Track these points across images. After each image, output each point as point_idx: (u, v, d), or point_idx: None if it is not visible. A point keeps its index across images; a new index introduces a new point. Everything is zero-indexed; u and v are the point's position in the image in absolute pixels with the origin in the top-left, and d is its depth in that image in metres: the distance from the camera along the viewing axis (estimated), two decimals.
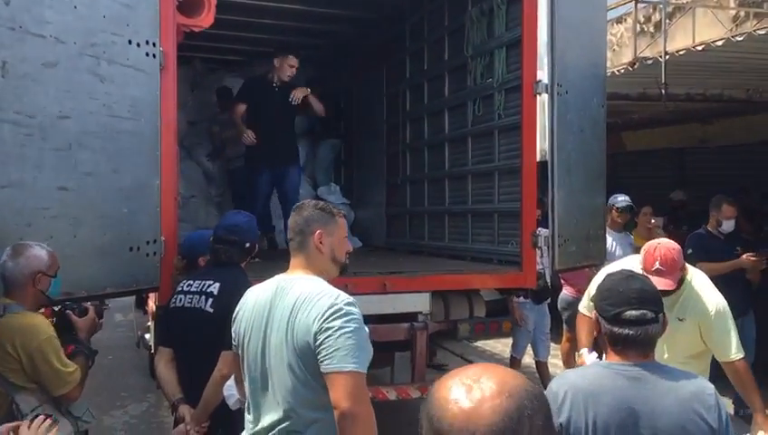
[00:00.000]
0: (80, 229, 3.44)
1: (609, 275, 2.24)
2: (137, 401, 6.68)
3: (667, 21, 6.10)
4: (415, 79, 6.57)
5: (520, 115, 4.94)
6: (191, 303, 3.19)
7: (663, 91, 6.43)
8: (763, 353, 5.51)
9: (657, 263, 3.10)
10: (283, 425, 2.25)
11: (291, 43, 6.63)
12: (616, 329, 2.05)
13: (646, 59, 6.25)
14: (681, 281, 3.25)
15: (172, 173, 3.89)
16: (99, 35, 3.49)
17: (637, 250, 5.68)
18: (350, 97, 8.05)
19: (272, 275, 2.47)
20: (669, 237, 4.23)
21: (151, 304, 5.44)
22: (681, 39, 5.98)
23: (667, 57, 6.00)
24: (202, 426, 3.01)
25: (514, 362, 6.33)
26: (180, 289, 3.31)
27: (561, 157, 4.80)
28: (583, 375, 2.12)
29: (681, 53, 5.87)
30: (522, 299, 5.84)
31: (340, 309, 2.19)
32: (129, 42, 3.62)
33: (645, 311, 2.06)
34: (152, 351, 4.55)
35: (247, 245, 3.32)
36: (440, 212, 6.14)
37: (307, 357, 2.19)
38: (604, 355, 2.28)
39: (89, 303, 3.30)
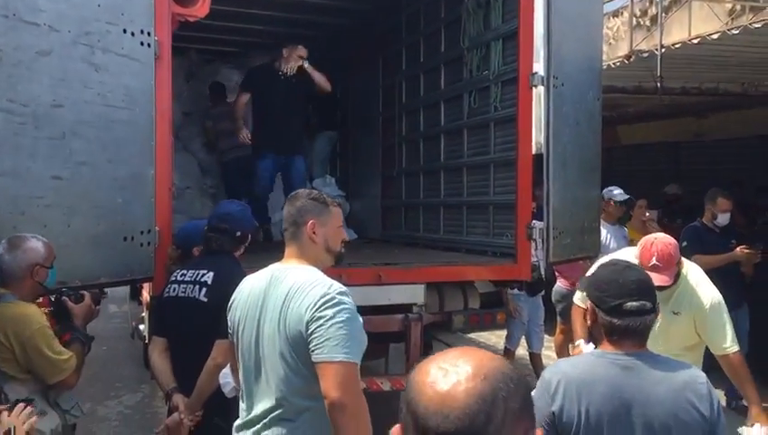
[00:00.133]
0: (74, 219, 3.43)
1: (603, 267, 2.23)
2: (131, 392, 6.68)
3: (663, 14, 6.09)
4: (411, 71, 6.55)
5: (516, 107, 4.94)
6: (185, 292, 3.18)
7: (659, 85, 6.44)
8: (757, 346, 5.54)
9: (654, 259, 3.10)
10: (276, 413, 2.26)
11: (287, 34, 6.61)
12: (615, 320, 2.06)
13: (642, 52, 6.25)
14: (677, 275, 3.26)
15: (167, 163, 3.87)
16: (93, 24, 3.47)
17: (631, 243, 5.72)
18: (346, 89, 8.04)
19: (266, 265, 2.47)
20: (663, 231, 4.25)
21: (146, 295, 5.45)
22: (677, 33, 5.98)
23: (663, 50, 6.00)
24: (196, 415, 3.01)
25: (508, 354, 6.35)
26: (174, 279, 3.30)
27: (556, 149, 4.80)
28: (576, 364, 2.13)
29: (677, 46, 5.88)
30: (516, 291, 5.87)
31: (333, 298, 2.19)
32: (124, 31, 3.59)
33: (644, 302, 2.07)
34: (146, 341, 4.55)
35: (238, 233, 3.30)
36: (435, 204, 6.14)
37: (299, 346, 2.19)
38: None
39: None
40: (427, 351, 4.55)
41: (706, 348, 3.41)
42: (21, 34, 3.23)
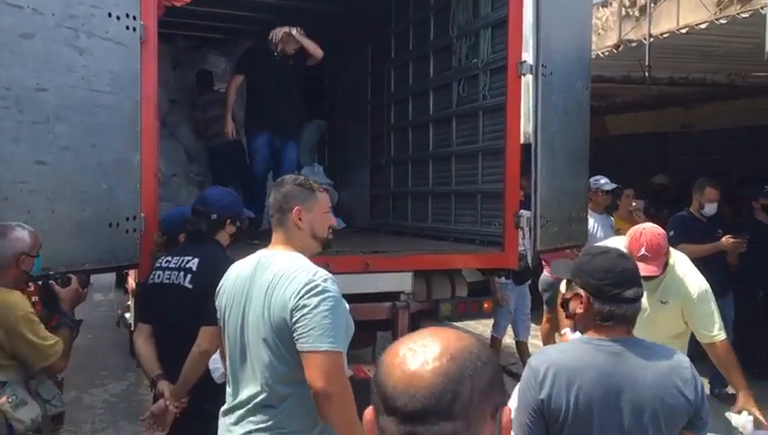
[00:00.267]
0: (58, 204, 3.40)
1: (595, 256, 2.17)
2: (116, 380, 6.65)
3: (652, 4, 6.09)
4: (399, 59, 6.52)
5: (504, 96, 4.94)
6: (170, 279, 3.16)
7: (647, 74, 6.45)
8: (741, 334, 5.59)
9: (644, 249, 3.09)
10: (259, 399, 2.26)
11: (274, 20, 6.53)
12: (614, 308, 2.06)
13: (630, 41, 6.25)
14: (665, 265, 3.27)
15: (152, 149, 3.84)
16: (77, 7, 3.42)
17: (617, 232, 5.75)
18: (335, 77, 7.99)
19: (252, 252, 2.46)
20: (650, 221, 4.26)
21: (131, 283, 5.41)
22: (666, 23, 5.98)
23: (652, 40, 6.00)
24: (181, 401, 3.00)
25: (495, 342, 6.38)
26: (159, 265, 3.28)
27: (544, 138, 4.80)
28: (564, 351, 2.12)
29: (665, 35, 5.89)
30: (503, 280, 5.88)
31: (317, 286, 2.17)
32: (109, 14, 3.55)
33: (638, 288, 2.11)
34: (132, 329, 4.52)
35: (213, 216, 3.24)
36: (424, 193, 6.13)
37: (283, 333, 2.18)
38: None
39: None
40: None
41: (692, 336, 3.44)
42: (4, 17, 3.17)
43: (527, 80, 4.91)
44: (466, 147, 5.52)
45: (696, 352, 3.35)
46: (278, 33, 5.89)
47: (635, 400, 1.98)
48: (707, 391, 5.50)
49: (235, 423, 2.31)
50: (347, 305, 2.27)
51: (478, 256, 5.11)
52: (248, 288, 2.32)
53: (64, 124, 3.40)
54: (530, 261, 5.55)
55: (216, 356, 2.79)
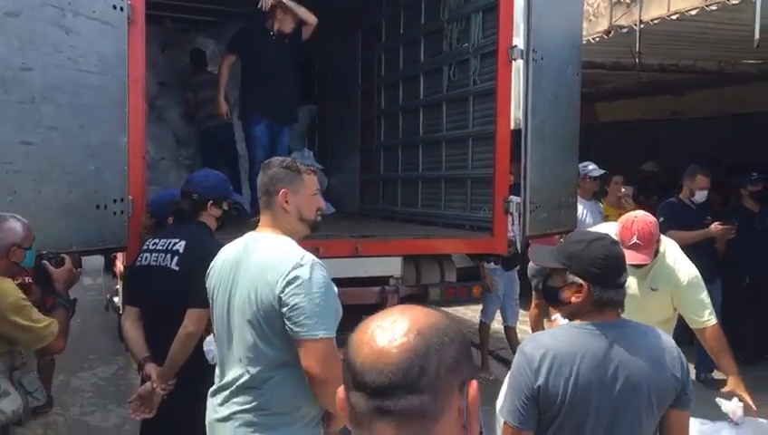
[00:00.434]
0: (44, 185, 3.37)
1: (591, 244, 2.12)
2: (105, 364, 6.64)
3: None
4: (390, 43, 6.49)
5: (495, 81, 4.93)
6: (156, 261, 3.14)
7: (637, 61, 6.45)
8: (728, 320, 5.63)
9: (635, 237, 3.09)
10: (243, 380, 2.26)
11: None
12: (612, 295, 2.07)
13: (621, 27, 6.25)
14: (656, 253, 3.28)
15: (140, 131, 3.81)
16: None
17: (606, 218, 5.76)
18: (325, 61, 7.94)
19: (240, 235, 2.45)
20: (639, 208, 4.26)
21: (119, 266, 5.38)
22: (656, 9, 5.98)
23: (642, 26, 6.00)
24: (168, 383, 2.99)
25: (483, 327, 6.40)
26: (146, 247, 3.26)
27: (534, 123, 4.79)
28: (558, 336, 2.11)
29: (656, 21, 5.88)
30: (492, 265, 5.89)
31: (305, 271, 2.17)
32: None
33: (626, 272, 2.15)
34: (121, 313, 4.50)
35: (195, 196, 3.22)
36: (414, 178, 6.12)
37: (270, 316, 2.18)
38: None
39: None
40: None
41: (678, 323, 3.46)
42: None
43: (518, 65, 4.90)
44: (457, 132, 5.51)
45: (683, 338, 3.37)
46: (267, 1, 5.68)
47: (630, 381, 2.00)
48: (693, 376, 5.56)
49: (221, 404, 2.32)
50: (336, 289, 2.27)
51: (467, 241, 5.12)
52: (235, 270, 2.31)
53: (51, 104, 3.37)
54: (519, 246, 5.57)
55: (211, 338, 2.79)
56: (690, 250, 3.69)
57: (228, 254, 2.41)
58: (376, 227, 5.74)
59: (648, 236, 3.13)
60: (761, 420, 3.01)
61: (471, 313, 8.04)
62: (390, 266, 4.69)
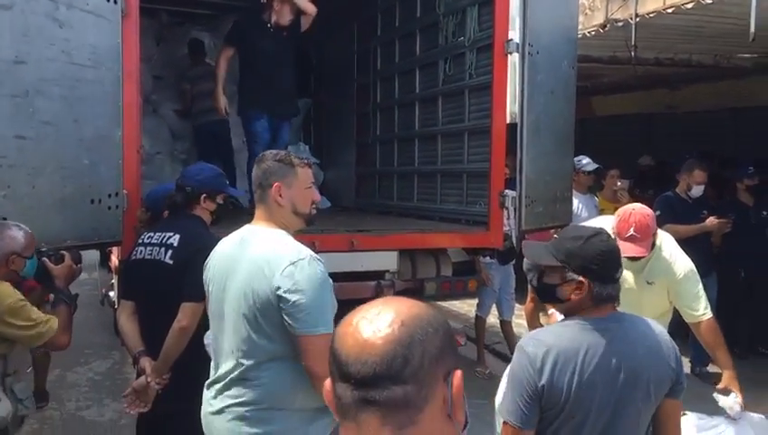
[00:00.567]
0: (38, 180, 3.35)
1: (589, 240, 2.10)
2: (101, 358, 6.63)
3: None
4: (386, 36, 6.47)
5: (491, 75, 4.92)
6: (151, 255, 3.13)
7: (633, 54, 6.45)
8: (724, 314, 5.65)
9: (632, 229, 3.09)
10: (236, 374, 2.26)
11: None
12: (611, 290, 2.08)
13: (617, 21, 6.24)
14: (652, 246, 3.28)
15: (134, 125, 3.79)
16: None
17: (602, 212, 5.77)
18: (320, 55, 7.92)
19: (234, 229, 2.45)
20: (635, 201, 4.26)
21: (114, 261, 5.37)
22: (652, 3, 5.98)
23: (638, 19, 6.00)
24: (163, 378, 2.99)
25: (479, 322, 6.40)
26: (141, 241, 3.24)
27: (530, 117, 4.79)
28: (559, 334, 2.09)
29: (652, 15, 5.88)
30: (488, 259, 5.89)
31: (303, 266, 2.16)
32: None
33: (622, 267, 2.15)
34: (116, 308, 4.49)
35: (188, 188, 3.20)
36: (409, 172, 6.12)
37: (267, 310, 2.18)
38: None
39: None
40: None
41: (672, 318, 3.46)
42: None
43: (513, 59, 4.89)
44: (452, 126, 5.50)
45: (677, 332, 3.38)
46: (286, 9, 5.58)
47: (631, 373, 2.01)
48: (688, 370, 5.58)
49: (215, 397, 2.33)
50: (331, 283, 2.26)
51: (463, 235, 5.12)
52: (231, 264, 2.31)
53: (44, 98, 3.35)
54: (514, 240, 5.57)
55: (210, 332, 2.78)
56: (686, 244, 3.69)
57: (225, 247, 2.41)
58: (372, 221, 5.74)
59: (645, 229, 3.13)
60: (758, 415, 3.02)
61: (467, 307, 8.04)
62: (386, 261, 4.69)
